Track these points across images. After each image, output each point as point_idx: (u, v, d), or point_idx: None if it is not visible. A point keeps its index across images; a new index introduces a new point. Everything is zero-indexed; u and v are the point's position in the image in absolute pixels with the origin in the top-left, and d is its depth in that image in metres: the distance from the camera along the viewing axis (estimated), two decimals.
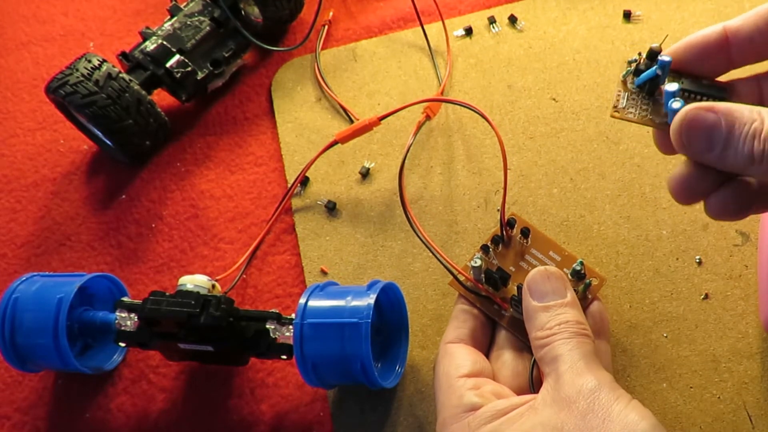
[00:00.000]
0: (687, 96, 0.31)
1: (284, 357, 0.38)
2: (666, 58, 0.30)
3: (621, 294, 0.42)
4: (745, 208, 0.29)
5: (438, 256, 0.39)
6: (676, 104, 0.29)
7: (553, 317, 0.33)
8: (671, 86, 0.30)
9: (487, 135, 0.48)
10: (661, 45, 0.31)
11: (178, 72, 0.49)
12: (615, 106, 0.32)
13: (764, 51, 0.30)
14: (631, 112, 0.32)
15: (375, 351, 0.38)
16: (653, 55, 0.31)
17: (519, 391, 0.35)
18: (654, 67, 0.31)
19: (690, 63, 0.31)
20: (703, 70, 0.31)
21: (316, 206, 0.47)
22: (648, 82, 0.31)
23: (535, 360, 0.34)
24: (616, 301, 0.41)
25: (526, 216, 0.45)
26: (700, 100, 0.30)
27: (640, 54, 0.32)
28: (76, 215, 0.50)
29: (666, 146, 0.31)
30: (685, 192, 0.29)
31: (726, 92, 0.31)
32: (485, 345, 0.38)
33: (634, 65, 0.32)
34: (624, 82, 0.32)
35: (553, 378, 0.31)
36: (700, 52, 0.30)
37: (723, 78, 0.32)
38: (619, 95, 0.32)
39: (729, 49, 0.30)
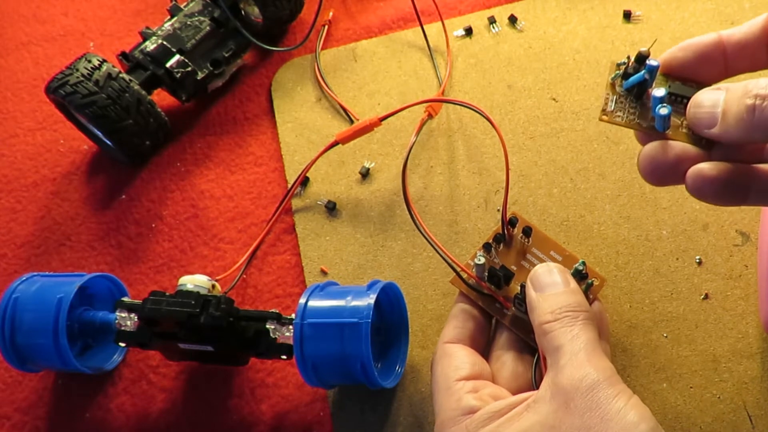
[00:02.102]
0: (674, 100, 0.31)
1: (284, 357, 0.38)
2: (654, 63, 0.31)
3: (621, 294, 0.42)
4: (742, 189, 0.29)
5: (440, 252, 0.39)
6: (663, 110, 0.30)
7: (555, 303, 0.33)
8: (659, 91, 0.30)
9: (487, 135, 0.48)
10: (649, 49, 0.31)
11: (178, 72, 0.49)
12: (603, 110, 0.32)
13: (758, 60, 0.30)
14: (619, 116, 0.32)
15: (375, 351, 0.38)
16: (641, 59, 0.31)
17: (518, 393, 0.34)
18: (642, 72, 0.31)
19: (687, 64, 0.31)
20: (700, 74, 0.31)
21: (316, 206, 0.47)
22: (636, 86, 0.31)
23: (538, 358, 0.34)
24: (616, 301, 0.41)
25: (526, 216, 0.44)
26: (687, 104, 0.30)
27: (629, 57, 0.32)
28: (76, 215, 0.50)
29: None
30: (659, 169, 0.30)
31: None
32: (483, 346, 0.38)
33: (622, 68, 0.32)
34: (612, 85, 0.32)
35: (553, 371, 0.31)
36: (698, 54, 0.31)
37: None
38: (607, 98, 0.32)
39: (725, 54, 0.30)
